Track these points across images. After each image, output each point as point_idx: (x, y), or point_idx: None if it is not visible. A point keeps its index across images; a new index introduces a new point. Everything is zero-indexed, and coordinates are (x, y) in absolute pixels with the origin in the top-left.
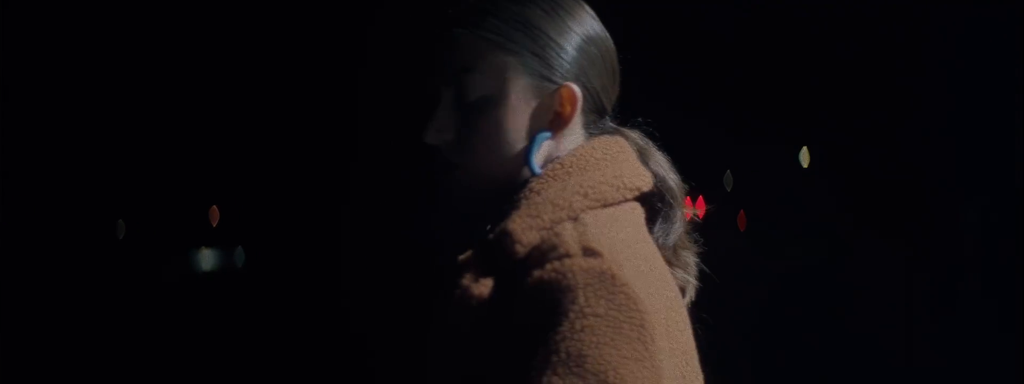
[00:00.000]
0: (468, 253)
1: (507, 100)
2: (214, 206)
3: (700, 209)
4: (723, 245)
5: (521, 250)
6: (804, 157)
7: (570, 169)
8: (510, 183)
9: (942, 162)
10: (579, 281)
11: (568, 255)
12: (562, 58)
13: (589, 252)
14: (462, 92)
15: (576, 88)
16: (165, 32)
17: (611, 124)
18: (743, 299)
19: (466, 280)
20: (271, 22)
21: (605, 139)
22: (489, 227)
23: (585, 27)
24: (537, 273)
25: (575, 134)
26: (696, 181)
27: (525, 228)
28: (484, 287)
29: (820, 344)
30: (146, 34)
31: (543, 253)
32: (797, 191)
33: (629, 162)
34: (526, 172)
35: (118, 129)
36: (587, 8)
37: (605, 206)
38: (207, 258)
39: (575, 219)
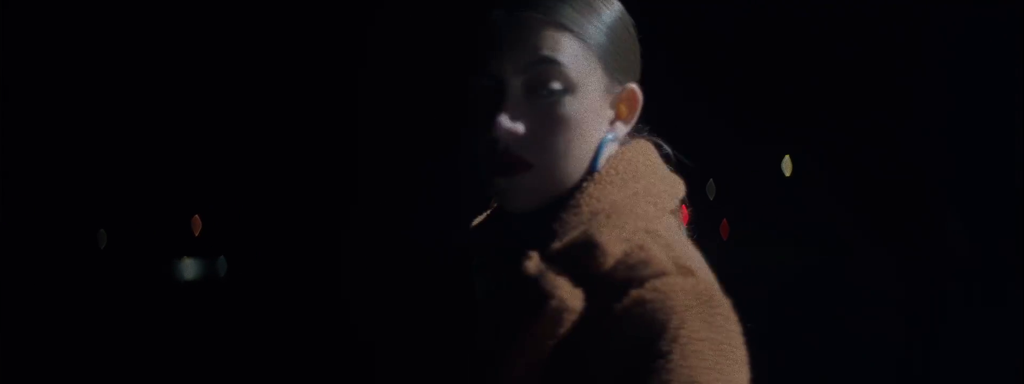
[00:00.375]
0: (534, 261)
1: (585, 94)
2: (196, 215)
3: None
4: (722, 245)
5: (609, 262)
6: (786, 166)
7: (624, 175)
8: (572, 187)
9: (942, 162)
10: (680, 303)
11: (665, 273)
12: (625, 56)
13: (684, 271)
14: (538, 82)
15: (638, 90)
16: (146, 41)
17: None
18: (742, 300)
19: (563, 291)
20: (257, 29)
21: (640, 143)
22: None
23: (632, 26)
24: (636, 292)
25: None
26: (702, 181)
27: (613, 239)
28: (578, 299)
29: (820, 345)
30: (127, 43)
31: (631, 267)
32: (797, 191)
33: (664, 168)
34: (584, 176)
35: (100, 137)
36: None
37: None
38: (189, 268)
39: (647, 230)
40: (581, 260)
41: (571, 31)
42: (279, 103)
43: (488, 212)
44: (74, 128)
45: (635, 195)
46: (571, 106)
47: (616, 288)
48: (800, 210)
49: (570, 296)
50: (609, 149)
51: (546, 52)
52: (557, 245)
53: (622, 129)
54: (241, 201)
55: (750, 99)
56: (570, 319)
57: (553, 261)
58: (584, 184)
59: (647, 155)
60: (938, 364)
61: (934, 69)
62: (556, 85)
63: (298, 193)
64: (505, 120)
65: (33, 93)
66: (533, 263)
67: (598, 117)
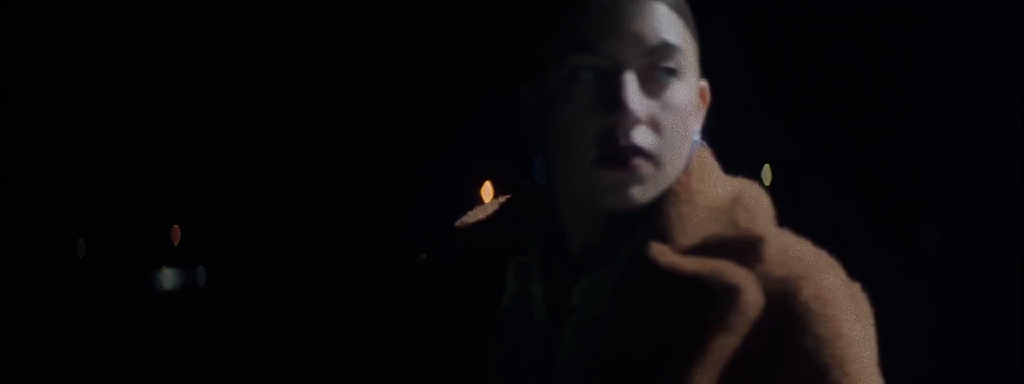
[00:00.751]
0: (673, 257)
1: (690, 83)
2: (176, 225)
3: None
4: None
5: (768, 257)
6: (765, 175)
7: (712, 172)
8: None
9: (942, 162)
10: (846, 302)
11: (823, 271)
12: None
13: (833, 267)
14: (656, 67)
15: (707, 87)
16: (123, 54)
17: None
18: None
19: (751, 284)
20: (238, 38)
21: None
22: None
23: None
24: (810, 292)
25: None
26: None
27: (772, 233)
28: (760, 294)
29: None
30: (104, 55)
31: (786, 264)
32: (796, 191)
33: None
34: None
35: (79, 147)
36: None
37: None
38: (169, 277)
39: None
40: (735, 255)
41: (681, 16)
42: (257, 114)
43: (489, 212)
44: (53, 139)
45: (743, 190)
46: (682, 95)
47: (778, 285)
48: (799, 210)
49: (756, 290)
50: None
51: (667, 36)
52: (687, 240)
53: (695, 125)
54: (220, 211)
55: (748, 99)
56: (748, 319)
57: (695, 256)
58: (681, 178)
59: (708, 154)
60: (938, 364)
61: (934, 69)
62: (673, 71)
63: (278, 203)
64: (635, 104)
65: (12, 106)
66: (681, 259)
67: (696, 109)
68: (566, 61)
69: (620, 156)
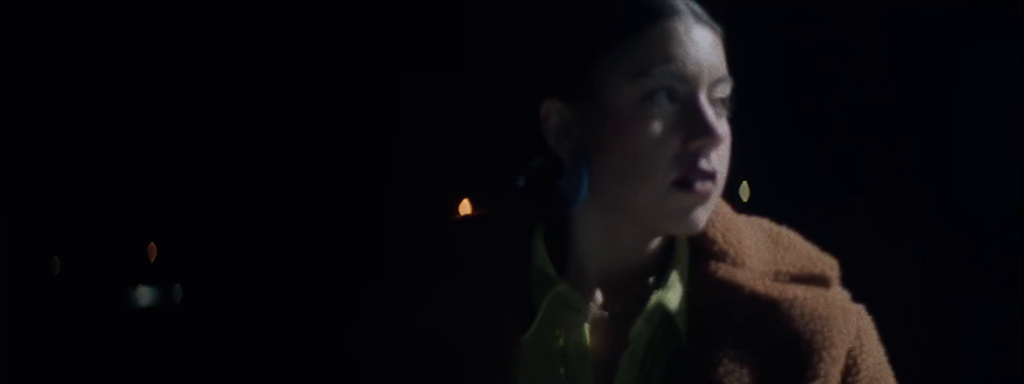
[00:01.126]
0: (758, 280)
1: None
2: (152, 242)
3: None
4: None
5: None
6: (744, 192)
7: (728, 207)
8: None
9: (941, 162)
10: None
11: (850, 298)
12: None
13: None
14: (716, 97)
15: None
16: (101, 69)
17: None
18: None
19: (856, 313)
20: (212, 64)
21: None
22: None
23: None
24: (857, 311)
25: None
26: None
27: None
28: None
29: None
30: (82, 68)
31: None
32: (797, 191)
33: None
34: None
35: (54, 162)
36: None
37: None
38: (145, 295)
39: None
40: (817, 281)
41: (725, 53)
42: (234, 132)
43: (476, 232)
44: (27, 156)
45: (764, 224)
46: (727, 125)
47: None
48: (800, 210)
49: (859, 312)
50: None
51: (726, 70)
52: (761, 266)
53: None
54: (197, 228)
55: (749, 100)
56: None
57: (785, 283)
58: (718, 208)
59: None
60: (938, 365)
61: (933, 69)
62: (725, 102)
63: (255, 220)
64: (719, 128)
65: None
66: (776, 285)
67: None
68: (640, 82)
69: (699, 179)
